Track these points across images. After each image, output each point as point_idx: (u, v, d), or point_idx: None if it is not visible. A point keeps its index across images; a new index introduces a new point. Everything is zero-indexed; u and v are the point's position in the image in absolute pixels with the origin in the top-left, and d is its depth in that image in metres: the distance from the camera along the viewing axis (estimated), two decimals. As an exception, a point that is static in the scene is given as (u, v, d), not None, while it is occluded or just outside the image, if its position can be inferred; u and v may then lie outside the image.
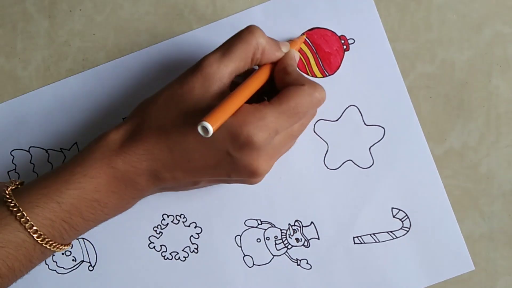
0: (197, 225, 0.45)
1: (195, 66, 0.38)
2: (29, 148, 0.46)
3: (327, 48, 0.45)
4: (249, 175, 0.38)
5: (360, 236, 0.45)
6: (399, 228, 0.45)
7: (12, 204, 0.36)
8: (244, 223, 0.45)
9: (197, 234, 0.45)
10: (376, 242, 0.45)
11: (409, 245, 0.44)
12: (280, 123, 0.36)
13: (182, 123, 0.37)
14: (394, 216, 0.45)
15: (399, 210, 0.45)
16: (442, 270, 0.44)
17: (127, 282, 0.45)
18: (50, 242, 0.37)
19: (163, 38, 0.45)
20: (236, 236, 0.45)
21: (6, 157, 0.46)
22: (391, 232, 0.45)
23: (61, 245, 0.38)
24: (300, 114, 0.37)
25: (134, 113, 0.40)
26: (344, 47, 0.45)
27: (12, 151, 0.46)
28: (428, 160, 0.44)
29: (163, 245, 0.46)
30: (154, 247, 0.46)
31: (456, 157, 0.45)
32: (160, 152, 0.38)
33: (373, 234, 0.45)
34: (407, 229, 0.45)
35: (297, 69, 0.40)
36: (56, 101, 0.46)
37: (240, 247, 0.45)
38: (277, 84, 0.39)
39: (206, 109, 0.36)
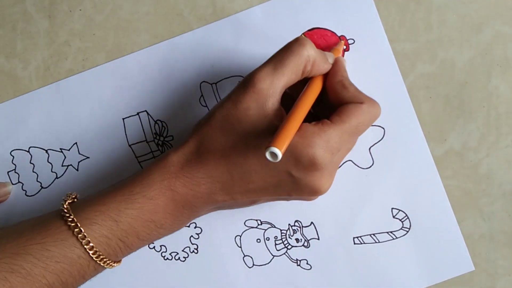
0: (197, 225, 0.45)
1: (246, 82, 0.37)
2: (29, 148, 0.46)
3: (327, 48, 0.45)
4: (311, 194, 0.38)
5: (360, 237, 0.45)
6: (399, 228, 0.45)
7: (70, 219, 0.36)
8: (244, 223, 0.45)
9: (197, 234, 0.45)
10: (376, 242, 0.45)
11: (409, 246, 0.44)
12: (343, 143, 0.37)
13: (242, 146, 0.37)
14: (394, 217, 0.45)
15: (399, 210, 0.45)
16: (442, 270, 0.44)
17: (127, 282, 0.45)
18: (104, 260, 0.37)
19: (163, 38, 0.45)
20: (236, 236, 0.45)
21: (6, 157, 0.46)
22: (391, 232, 0.45)
23: (114, 263, 0.38)
24: (360, 132, 0.38)
25: (192, 135, 0.39)
26: (344, 47, 0.45)
27: (12, 151, 0.46)
28: (428, 160, 0.44)
29: (163, 245, 0.45)
30: (154, 247, 0.46)
31: (456, 157, 0.45)
32: (219, 175, 0.37)
33: (373, 234, 0.45)
34: (407, 230, 0.44)
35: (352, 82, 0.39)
36: (56, 101, 0.46)
37: (240, 247, 0.45)
38: (332, 98, 0.39)
39: (267, 130, 0.35)
